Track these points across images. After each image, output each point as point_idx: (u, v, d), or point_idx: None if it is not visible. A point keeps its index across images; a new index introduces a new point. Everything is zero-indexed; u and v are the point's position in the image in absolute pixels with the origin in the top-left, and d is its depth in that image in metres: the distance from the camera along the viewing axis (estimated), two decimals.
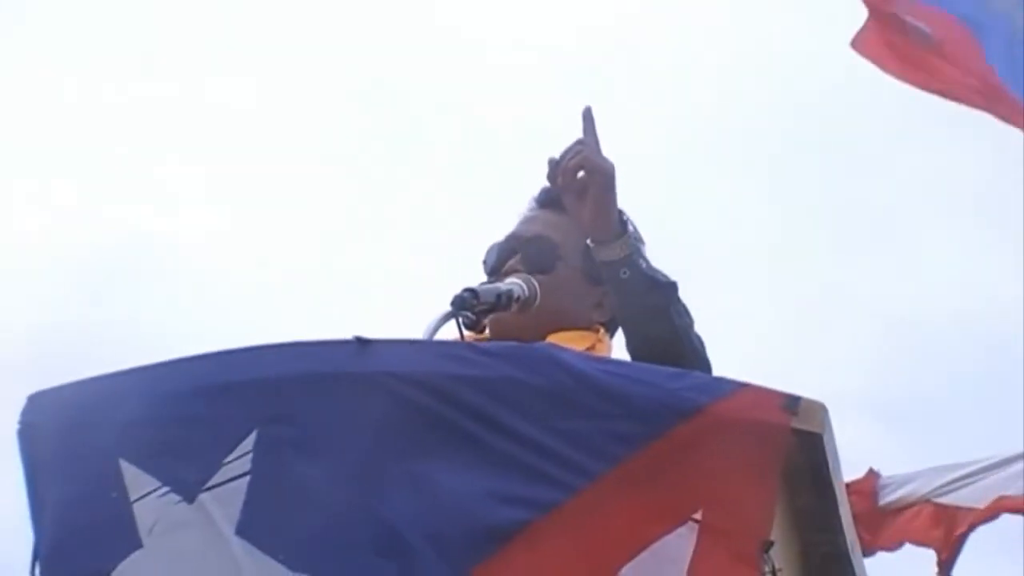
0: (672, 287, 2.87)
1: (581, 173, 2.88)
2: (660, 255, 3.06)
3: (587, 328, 3.10)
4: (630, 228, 2.91)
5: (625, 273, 2.85)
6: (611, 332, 3.12)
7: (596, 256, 2.90)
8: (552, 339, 2.92)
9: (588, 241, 2.93)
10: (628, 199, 3.05)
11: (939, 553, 5.86)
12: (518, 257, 3.11)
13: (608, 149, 2.94)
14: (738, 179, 8.77)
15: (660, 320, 2.83)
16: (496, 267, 3.13)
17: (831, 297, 9.11)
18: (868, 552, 5.78)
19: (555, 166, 2.89)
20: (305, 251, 8.95)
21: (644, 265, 2.86)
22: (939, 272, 9.08)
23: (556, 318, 3.01)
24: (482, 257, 3.19)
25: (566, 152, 2.89)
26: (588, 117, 2.89)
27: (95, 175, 8.88)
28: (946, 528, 5.83)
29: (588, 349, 2.97)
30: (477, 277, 3.15)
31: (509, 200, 3.18)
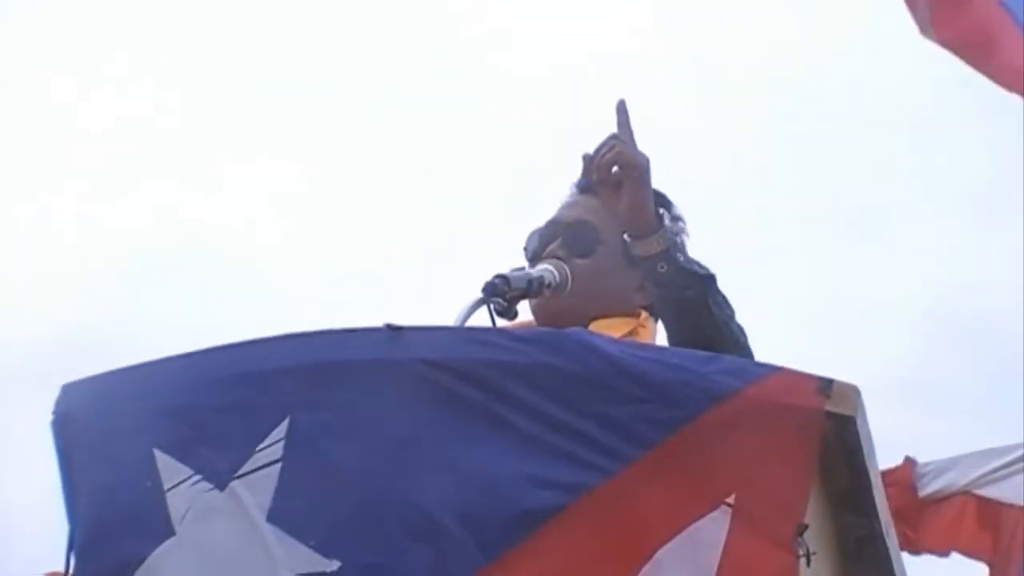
0: (711, 279, 2.87)
1: (616, 168, 2.88)
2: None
3: (629, 313, 3.11)
4: (667, 222, 2.91)
5: (663, 267, 2.85)
6: (655, 315, 3.12)
7: (633, 251, 2.89)
8: (594, 326, 2.93)
9: (625, 236, 2.94)
10: None
11: (990, 567, 5.72)
12: (559, 242, 3.11)
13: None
14: (754, 175, 8.77)
15: (699, 312, 2.84)
16: (537, 253, 3.15)
17: (863, 287, 9.12)
18: (915, 551, 5.66)
19: (590, 161, 2.89)
20: (305, 250, 8.95)
21: (682, 259, 2.86)
22: (972, 261, 9.08)
23: (598, 302, 3.02)
24: (523, 244, 3.20)
25: (600, 147, 2.89)
26: (622, 110, 2.89)
27: (98, 178, 8.88)
28: (993, 533, 5.67)
29: (629, 334, 2.98)
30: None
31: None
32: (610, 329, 2.91)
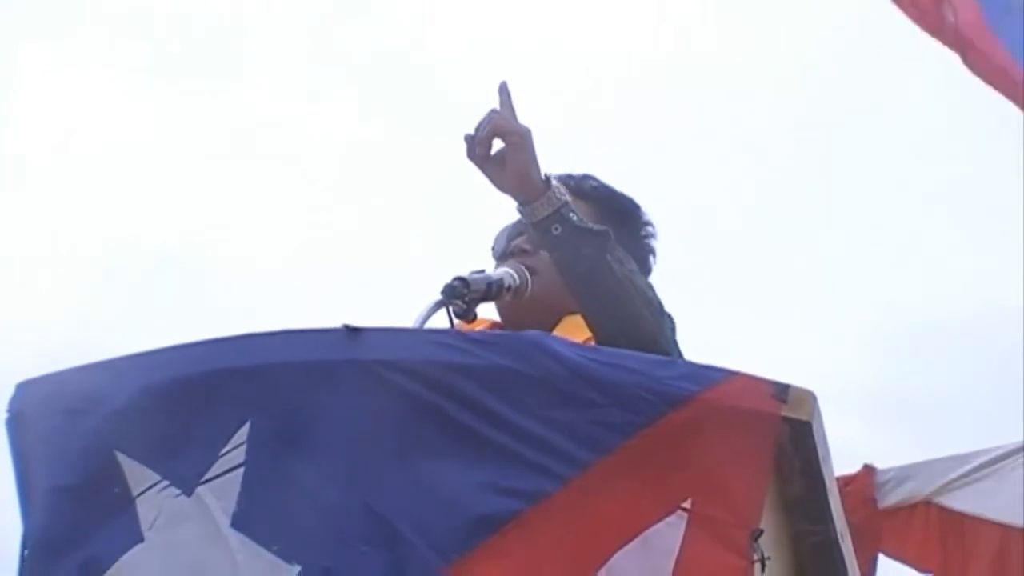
0: (605, 235, 2.85)
1: (497, 142, 2.88)
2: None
3: None
4: (553, 183, 2.89)
5: (557, 229, 2.83)
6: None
7: (526, 220, 2.89)
8: (568, 321, 2.96)
9: (517, 207, 2.93)
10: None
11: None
12: (525, 236, 3.10)
13: (608, 145, 2.93)
14: (739, 174, 8.76)
15: (600, 270, 2.82)
16: (504, 249, 3.16)
17: (831, 294, 9.12)
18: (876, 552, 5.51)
19: (471, 140, 2.90)
20: (302, 252, 8.96)
21: (575, 218, 2.84)
22: (941, 269, 9.08)
23: (566, 298, 2.98)
24: (491, 244, 3.20)
25: (479, 124, 2.89)
26: (504, 91, 2.90)
27: (89, 179, 8.89)
28: (945, 546, 5.49)
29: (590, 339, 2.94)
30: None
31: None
32: (575, 329, 2.90)
